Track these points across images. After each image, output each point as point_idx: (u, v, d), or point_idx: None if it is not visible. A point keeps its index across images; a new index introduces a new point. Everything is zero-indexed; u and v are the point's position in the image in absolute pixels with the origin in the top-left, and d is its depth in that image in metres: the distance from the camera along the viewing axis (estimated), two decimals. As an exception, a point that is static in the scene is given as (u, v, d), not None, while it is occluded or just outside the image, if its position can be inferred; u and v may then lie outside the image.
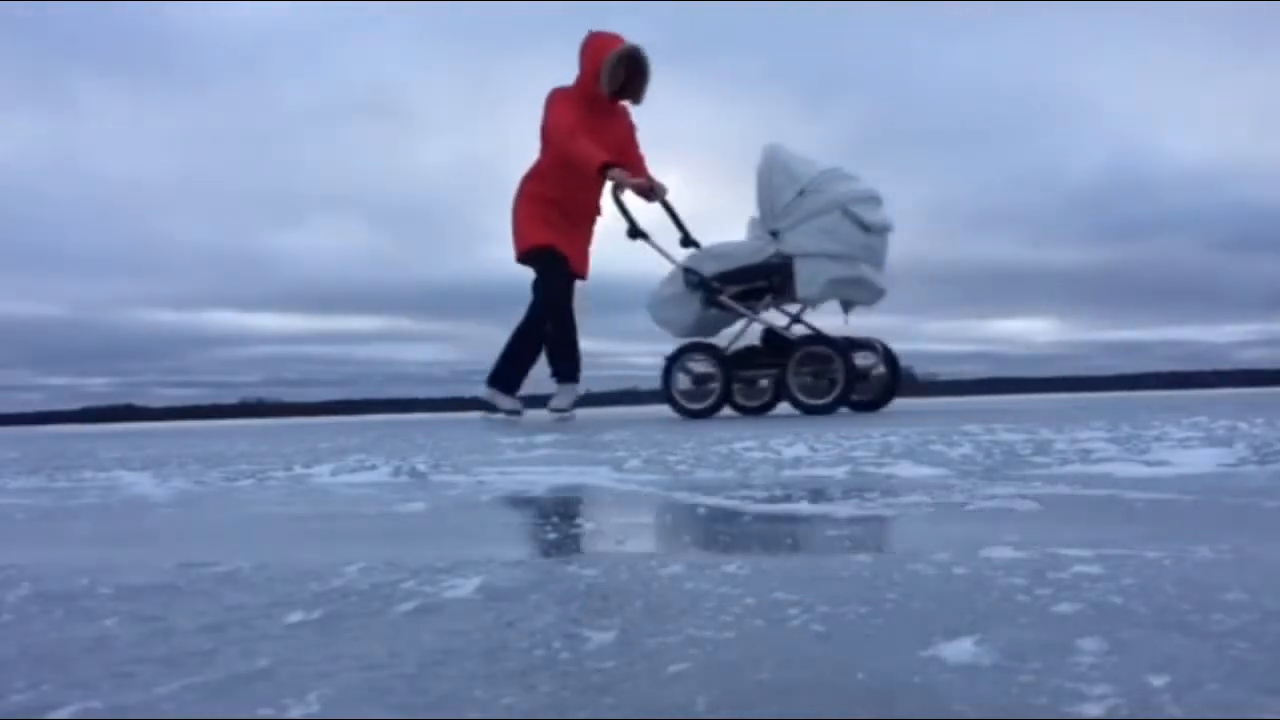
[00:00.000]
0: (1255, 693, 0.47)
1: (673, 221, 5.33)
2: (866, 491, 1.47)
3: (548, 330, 5.23)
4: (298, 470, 2.35)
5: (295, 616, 0.71)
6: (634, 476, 1.86)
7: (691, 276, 5.17)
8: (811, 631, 0.62)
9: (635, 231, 5.22)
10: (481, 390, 5.44)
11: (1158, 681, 0.49)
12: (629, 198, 5.22)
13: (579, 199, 5.21)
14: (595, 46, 5.08)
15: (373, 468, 2.28)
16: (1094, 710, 0.45)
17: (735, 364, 5.25)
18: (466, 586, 0.79)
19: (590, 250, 5.38)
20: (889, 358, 5.16)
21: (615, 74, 5.08)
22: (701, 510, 1.35)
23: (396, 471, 2.14)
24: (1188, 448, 2.00)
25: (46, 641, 0.67)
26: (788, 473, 1.83)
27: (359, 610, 0.73)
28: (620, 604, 0.72)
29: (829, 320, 5.22)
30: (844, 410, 5.22)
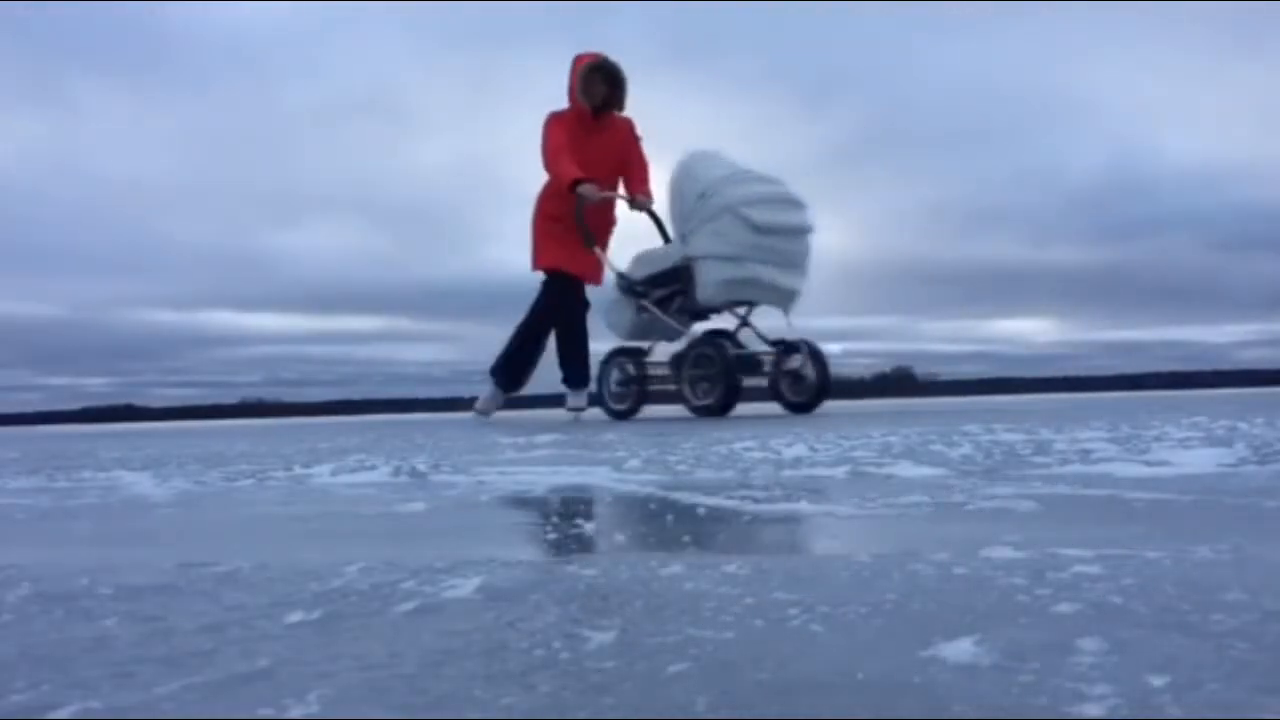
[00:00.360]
0: (1255, 693, 0.47)
1: (658, 230, 5.51)
2: (866, 491, 1.47)
3: (559, 343, 5.50)
4: (298, 470, 2.35)
5: (295, 616, 0.71)
6: (634, 476, 1.86)
7: (622, 281, 5.40)
8: (811, 631, 0.62)
9: (590, 240, 5.40)
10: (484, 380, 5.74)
11: (1158, 681, 0.49)
12: (618, 210, 5.52)
13: (588, 214, 5.39)
14: (574, 67, 5.33)
15: (373, 468, 2.28)
16: (1094, 710, 0.45)
17: (675, 365, 5.41)
18: (466, 586, 0.79)
19: (605, 258, 5.56)
20: (817, 358, 5.23)
21: (591, 88, 5.30)
22: (701, 510, 1.35)
23: (396, 471, 2.14)
24: (1188, 448, 2.00)
25: (46, 641, 0.67)
26: (788, 473, 1.83)
27: (359, 610, 0.73)
28: (620, 604, 0.72)
29: (773, 322, 5.37)
30: (775, 410, 5.38)
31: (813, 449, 2.34)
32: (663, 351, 5.52)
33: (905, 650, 0.57)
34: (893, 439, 2.64)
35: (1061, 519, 1.16)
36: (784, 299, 5.10)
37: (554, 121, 5.34)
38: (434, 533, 1.25)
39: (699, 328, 5.38)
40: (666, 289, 5.24)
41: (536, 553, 1.02)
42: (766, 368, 5.33)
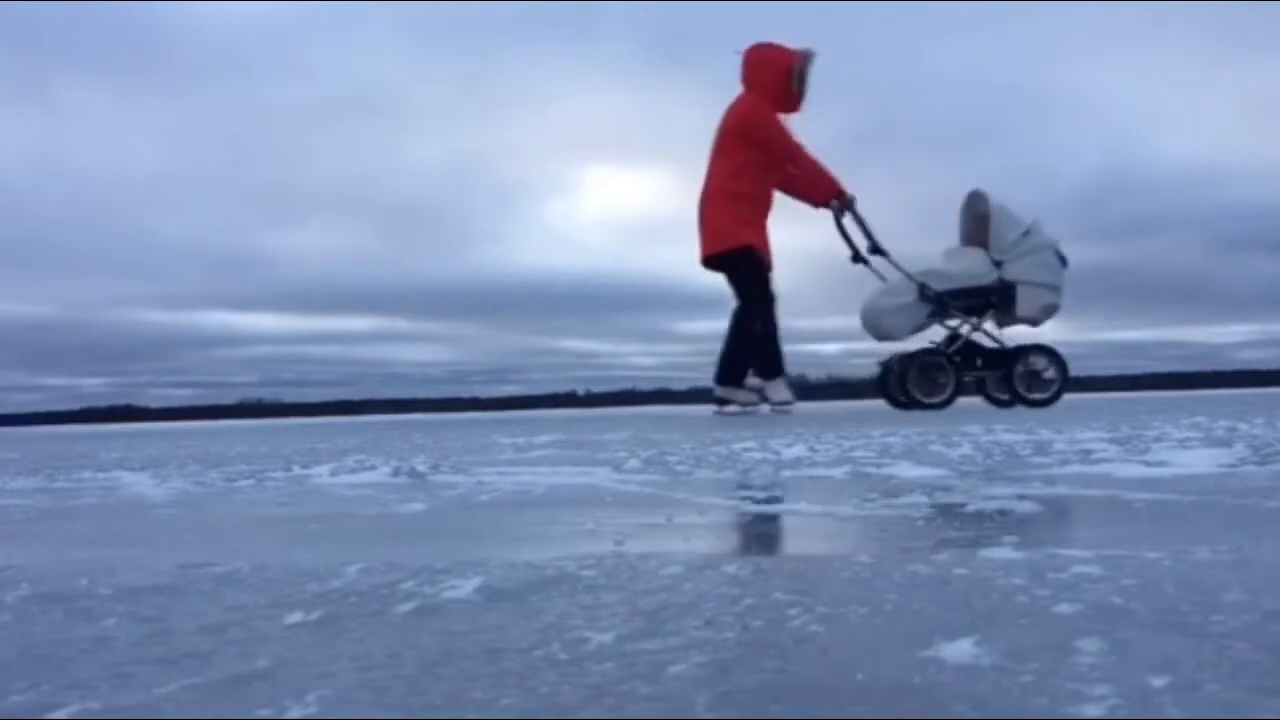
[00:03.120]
0: (1255, 693, 0.47)
1: (841, 235, 6.06)
2: (866, 491, 1.47)
3: (755, 326, 5.75)
4: (297, 471, 2.35)
5: (294, 617, 0.71)
6: (634, 476, 1.86)
7: (927, 291, 6.10)
8: (811, 631, 0.62)
9: (877, 248, 6.03)
10: (717, 390, 5.93)
11: (1158, 681, 0.49)
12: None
13: (769, 194, 5.83)
14: (779, 57, 5.77)
15: (372, 468, 2.28)
16: (1094, 710, 0.45)
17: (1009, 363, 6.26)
18: (466, 586, 0.79)
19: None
20: (1059, 361, 6.20)
21: (799, 80, 5.74)
22: (701, 510, 1.35)
23: (396, 471, 2.14)
24: (1188, 448, 2.00)
25: (46, 642, 0.67)
26: (788, 473, 1.83)
27: (358, 611, 0.73)
28: (620, 604, 0.72)
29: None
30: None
31: (813, 449, 2.34)
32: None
33: (905, 650, 0.56)
34: (893, 439, 2.64)
35: (1061, 519, 1.16)
36: (1053, 317, 6.23)
37: (768, 111, 5.72)
38: (434, 533, 1.25)
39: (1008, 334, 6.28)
40: (969, 302, 6.16)
41: (536, 553, 1.02)
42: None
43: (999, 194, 6.18)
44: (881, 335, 6.25)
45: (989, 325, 6.33)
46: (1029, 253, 6.08)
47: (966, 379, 6.26)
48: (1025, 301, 6.09)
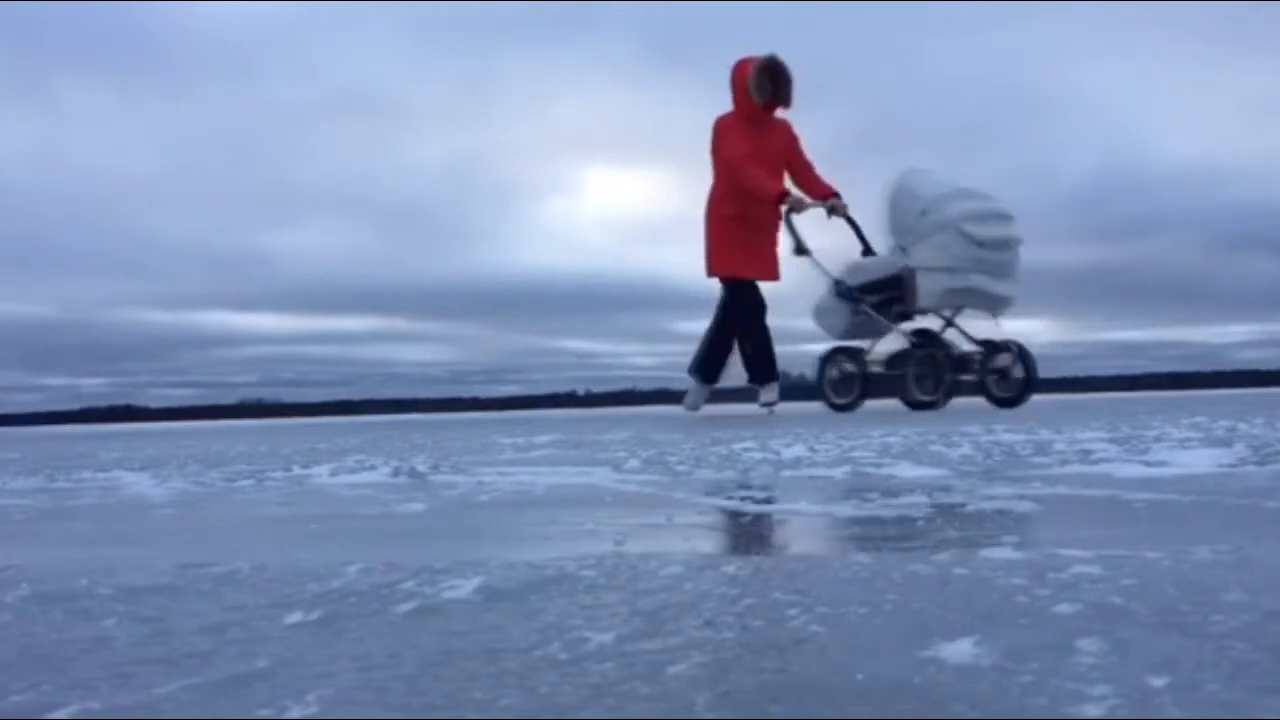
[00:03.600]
0: (1255, 693, 0.47)
1: (855, 235, 5.90)
2: (866, 491, 1.47)
3: (743, 345, 5.80)
4: (297, 470, 2.35)
5: (294, 617, 0.71)
6: (634, 476, 1.86)
7: (839, 287, 5.87)
8: (811, 631, 0.62)
9: (800, 249, 5.82)
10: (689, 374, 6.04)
11: (1158, 681, 0.49)
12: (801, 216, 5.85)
13: (760, 211, 5.75)
14: (739, 69, 5.71)
15: (372, 468, 2.28)
16: (1094, 710, 0.45)
17: (889, 364, 5.89)
18: (466, 586, 0.79)
19: (777, 253, 5.93)
20: (1025, 358, 5.65)
21: (762, 84, 5.64)
22: (701, 510, 1.35)
23: (396, 471, 2.14)
24: (1187, 448, 2.00)
25: (46, 642, 0.67)
26: (787, 473, 1.83)
27: (358, 611, 0.73)
28: (620, 604, 0.72)
29: (980, 325, 5.81)
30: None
31: (812, 449, 2.34)
32: (878, 350, 6.00)
33: (905, 650, 0.56)
34: (892, 439, 2.64)
35: (1061, 519, 1.16)
36: (995, 305, 5.65)
37: (727, 127, 5.69)
38: (434, 533, 1.25)
39: (910, 328, 5.85)
40: (882, 294, 5.75)
41: (536, 553, 1.02)
42: (975, 366, 5.81)
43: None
44: (826, 332, 6.06)
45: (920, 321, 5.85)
46: (926, 235, 5.54)
47: (874, 379, 5.90)
48: (923, 289, 5.55)
